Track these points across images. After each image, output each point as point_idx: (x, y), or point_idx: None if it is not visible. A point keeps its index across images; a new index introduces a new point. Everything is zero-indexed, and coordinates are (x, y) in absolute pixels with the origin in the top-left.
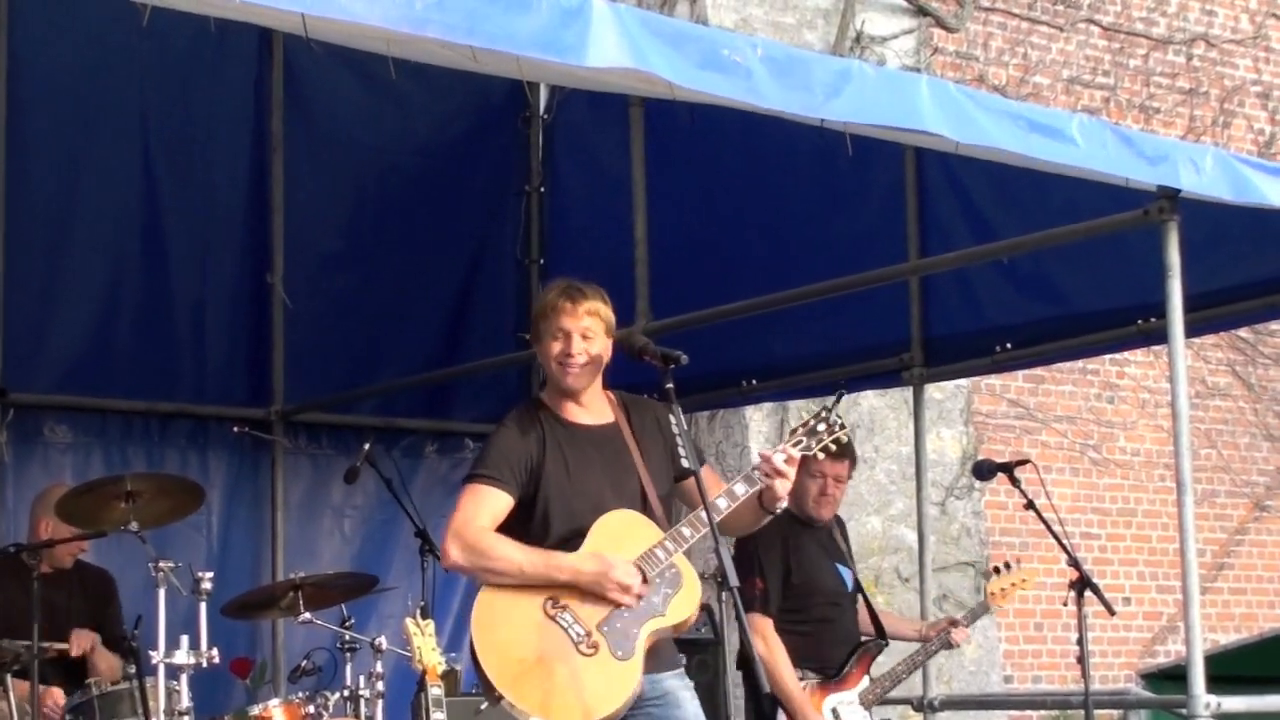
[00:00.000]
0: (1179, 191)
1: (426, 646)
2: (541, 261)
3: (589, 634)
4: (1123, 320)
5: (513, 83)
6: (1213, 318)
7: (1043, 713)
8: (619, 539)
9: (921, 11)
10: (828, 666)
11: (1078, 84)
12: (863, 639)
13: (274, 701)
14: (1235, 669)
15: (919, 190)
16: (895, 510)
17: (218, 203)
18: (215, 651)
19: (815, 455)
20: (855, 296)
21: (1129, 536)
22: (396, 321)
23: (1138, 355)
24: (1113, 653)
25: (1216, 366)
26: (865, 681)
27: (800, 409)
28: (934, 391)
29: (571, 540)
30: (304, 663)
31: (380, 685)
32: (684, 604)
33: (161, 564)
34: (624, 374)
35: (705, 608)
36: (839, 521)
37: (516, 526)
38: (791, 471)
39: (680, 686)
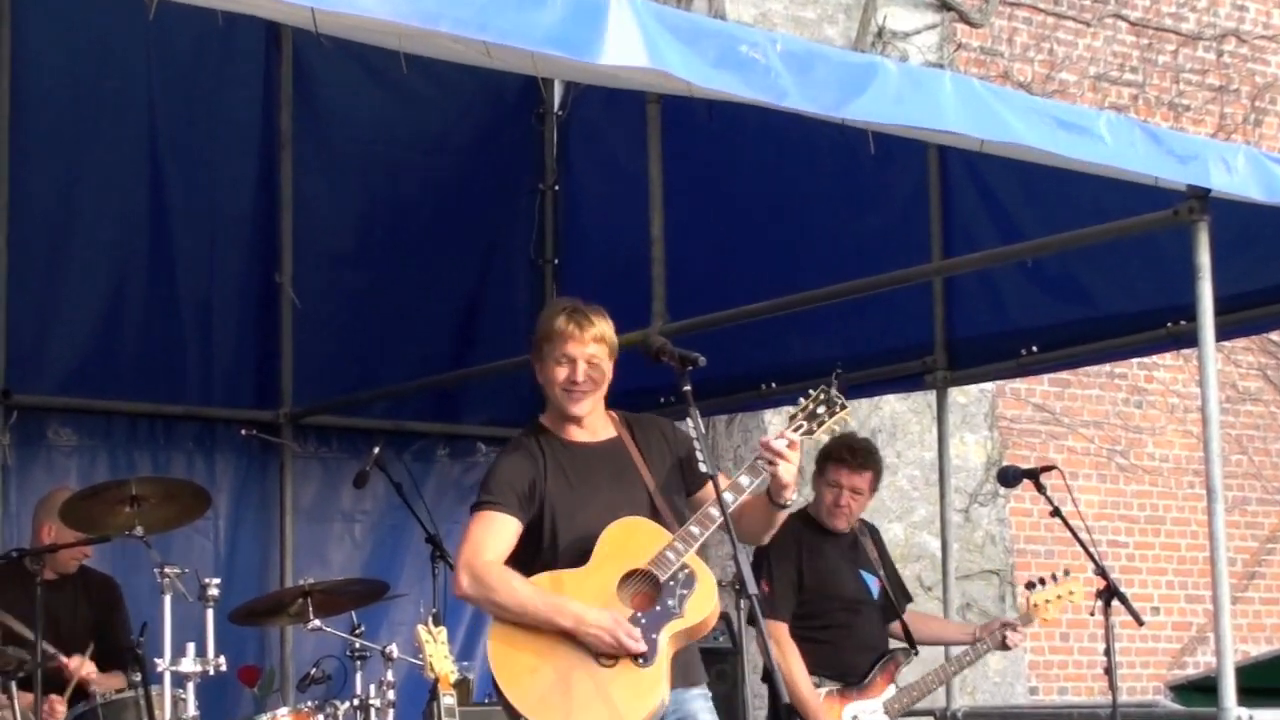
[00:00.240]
0: (1209, 191)
1: (439, 654)
2: (556, 261)
3: None
4: (1151, 323)
5: (526, 78)
6: (1244, 320)
7: None
8: (627, 545)
9: (945, 6)
10: (848, 674)
11: (1105, 81)
12: (891, 647)
13: (282, 711)
14: (1267, 681)
15: (942, 189)
16: (918, 517)
17: (225, 201)
18: (222, 659)
19: (842, 462)
20: (877, 298)
21: (1157, 545)
22: (407, 322)
23: (1166, 359)
24: (1141, 664)
25: (1247, 370)
26: (890, 690)
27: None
28: (958, 395)
29: (581, 555)
30: (313, 671)
31: (391, 694)
32: (701, 603)
33: (167, 570)
34: (639, 376)
35: (724, 616)
36: (871, 529)
37: (526, 550)
38: (793, 455)
39: (704, 709)
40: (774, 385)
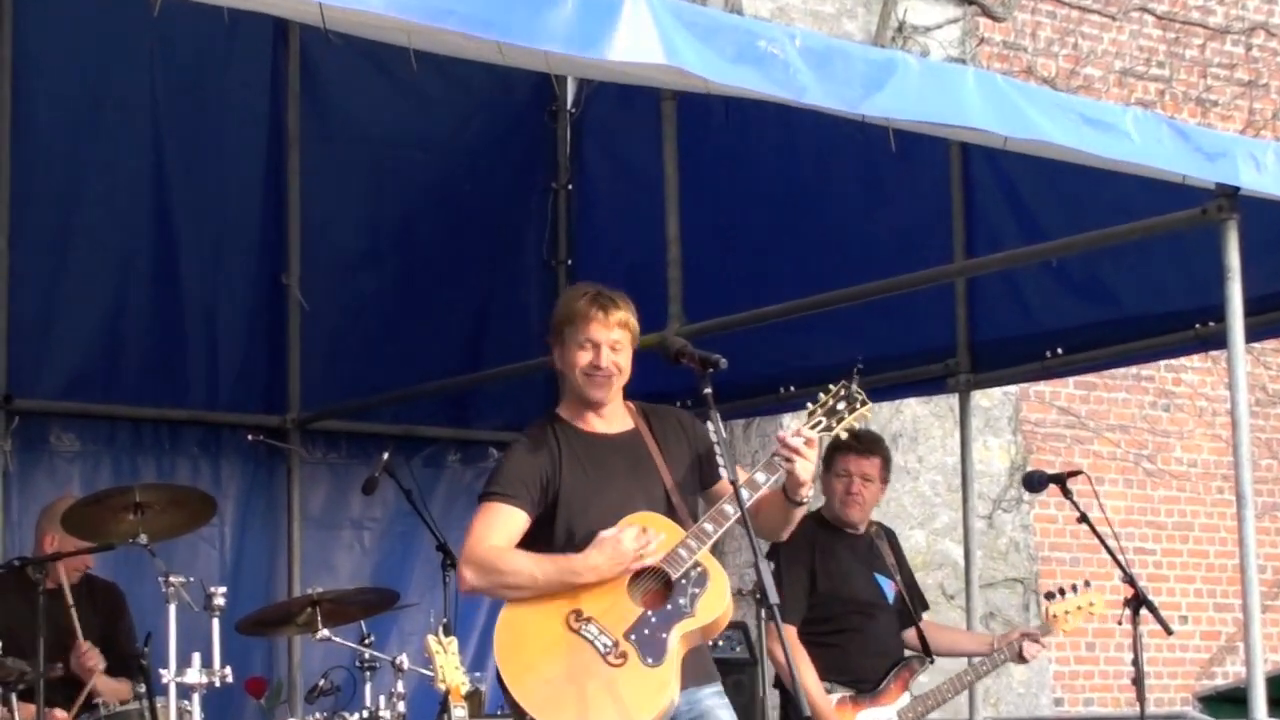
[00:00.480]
0: (1238, 189)
1: (449, 665)
2: (569, 262)
3: (616, 644)
4: (1179, 324)
5: (539, 75)
6: (1274, 321)
7: None
8: None
9: (967, 0)
10: (861, 680)
11: (1131, 76)
12: (906, 654)
13: None
14: None
15: (965, 188)
16: (940, 524)
17: (231, 201)
18: (228, 670)
19: (848, 449)
20: (898, 299)
21: (1185, 551)
22: (417, 325)
23: (1194, 361)
24: (1168, 674)
25: (1278, 373)
26: (905, 699)
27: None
28: (981, 399)
29: None
30: (321, 682)
31: (401, 706)
32: (713, 603)
33: (172, 579)
34: (656, 379)
35: (741, 625)
36: (888, 533)
37: (537, 542)
38: (810, 452)
39: (719, 705)
40: (793, 388)
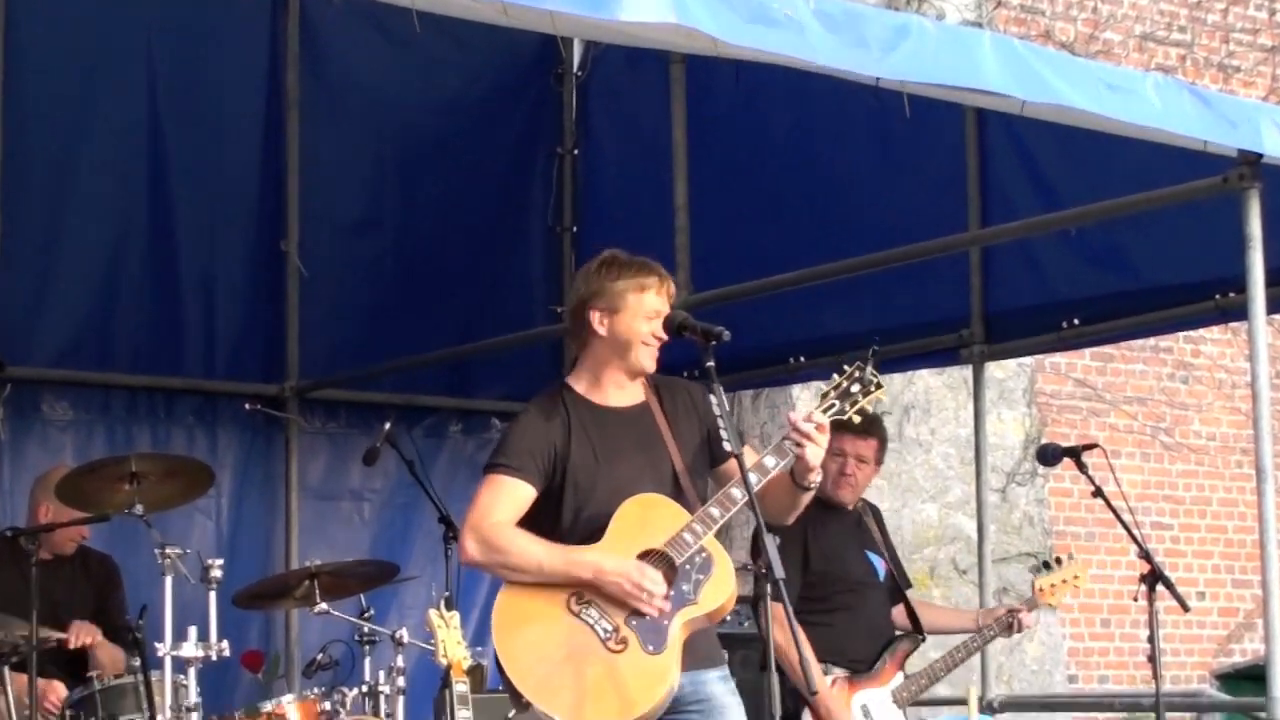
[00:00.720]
0: (1261, 157)
1: (451, 640)
2: (574, 229)
3: (617, 629)
4: (1199, 295)
5: (544, 37)
6: None
7: (1110, 715)
8: (643, 524)
9: None
10: (856, 660)
11: (1151, 40)
12: (897, 633)
13: (288, 697)
14: None
15: (981, 154)
16: (953, 497)
17: (229, 165)
18: (225, 644)
19: (845, 428)
20: (911, 268)
21: (1203, 527)
22: (419, 292)
23: (1214, 332)
24: (1185, 651)
25: None
26: (899, 678)
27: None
28: (995, 370)
29: (597, 533)
30: (320, 656)
31: (401, 681)
32: (717, 590)
33: (168, 550)
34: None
35: (750, 600)
36: (872, 509)
37: (542, 517)
38: (822, 438)
39: (724, 691)
40: (803, 359)
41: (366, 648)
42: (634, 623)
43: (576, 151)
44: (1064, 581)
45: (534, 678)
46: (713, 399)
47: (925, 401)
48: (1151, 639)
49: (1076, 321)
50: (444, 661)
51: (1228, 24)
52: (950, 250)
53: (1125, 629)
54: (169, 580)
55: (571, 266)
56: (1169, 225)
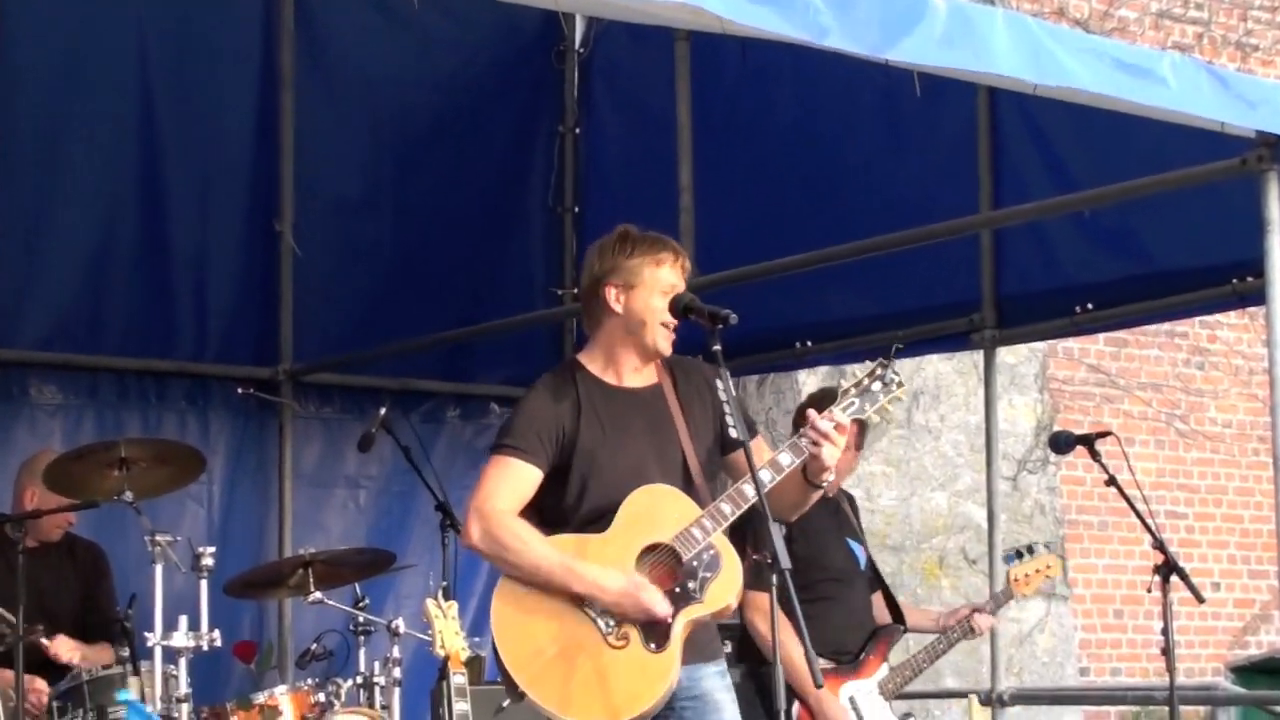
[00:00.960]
0: None
1: (448, 630)
2: (576, 210)
3: (619, 625)
4: (1216, 279)
5: (545, 13)
6: None
7: (1122, 709)
8: (651, 515)
9: None
10: (840, 652)
11: (1168, 18)
12: (880, 624)
13: (280, 689)
14: None
15: (992, 135)
16: (962, 485)
17: (221, 144)
18: (216, 634)
19: (818, 407)
20: (921, 251)
21: (1219, 516)
22: (416, 274)
23: (1231, 317)
24: (1199, 644)
25: None
26: (884, 670)
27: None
28: (1006, 355)
29: (603, 517)
30: (314, 646)
31: (397, 672)
32: (723, 589)
33: (158, 538)
34: None
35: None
36: (847, 496)
37: (547, 499)
38: (840, 439)
39: (719, 687)
40: (809, 344)
41: (361, 638)
42: None
43: (578, 130)
44: (1037, 571)
45: (531, 669)
46: (719, 384)
47: (935, 387)
48: (1165, 631)
49: (1090, 306)
50: (441, 652)
51: (1246, 1)
52: (961, 232)
53: (1138, 620)
54: (159, 569)
55: (573, 248)
56: (1185, 208)
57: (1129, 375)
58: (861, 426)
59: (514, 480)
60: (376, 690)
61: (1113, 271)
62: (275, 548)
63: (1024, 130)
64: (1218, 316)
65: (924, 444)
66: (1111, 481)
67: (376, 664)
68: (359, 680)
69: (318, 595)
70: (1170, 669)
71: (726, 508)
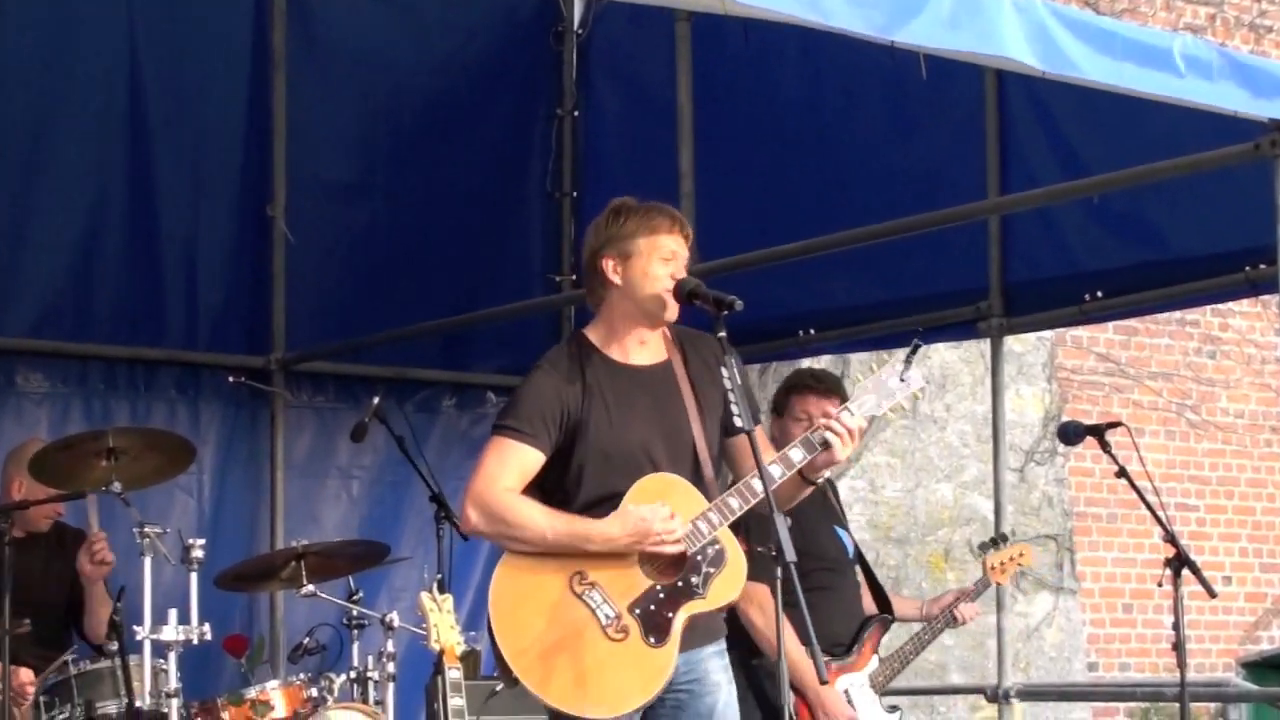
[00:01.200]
0: None
1: (444, 624)
2: (574, 194)
3: (619, 616)
4: (1228, 267)
5: None
6: None
7: (1132, 705)
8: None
9: None
10: (834, 643)
11: None
12: (869, 615)
13: (272, 683)
14: None
15: (1000, 119)
16: (969, 476)
17: (212, 128)
18: (207, 627)
19: (808, 390)
20: (927, 238)
21: (1230, 508)
22: (411, 260)
23: (1243, 306)
24: (1210, 638)
25: None
26: (874, 662)
27: (863, 363)
28: (1014, 344)
29: (606, 502)
30: (306, 640)
31: (391, 666)
32: (727, 585)
33: (148, 529)
34: None
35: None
36: (830, 483)
37: (549, 481)
38: (859, 438)
39: (717, 669)
40: (813, 332)
41: (355, 632)
42: (637, 611)
43: (576, 114)
44: (1011, 560)
45: (527, 657)
46: (724, 370)
47: (941, 376)
48: (1176, 625)
49: (1099, 294)
50: (436, 646)
51: None
52: (968, 219)
53: (1148, 615)
54: (148, 561)
55: (571, 234)
56: (1197, 194)
57: (1139, 364)
58: (844, 400)
59: (514, 462)
60: (370, 685)
61: (1123, 259)
62: (267, 540)
63: (1032, 114)
64: (1230, 305)
65: (929, 434)
66: (1122, 473)
67: (370, 658)
68: (352, 675)
69: (310, 588)
70: (1181, 664)
71: (734, 502)
